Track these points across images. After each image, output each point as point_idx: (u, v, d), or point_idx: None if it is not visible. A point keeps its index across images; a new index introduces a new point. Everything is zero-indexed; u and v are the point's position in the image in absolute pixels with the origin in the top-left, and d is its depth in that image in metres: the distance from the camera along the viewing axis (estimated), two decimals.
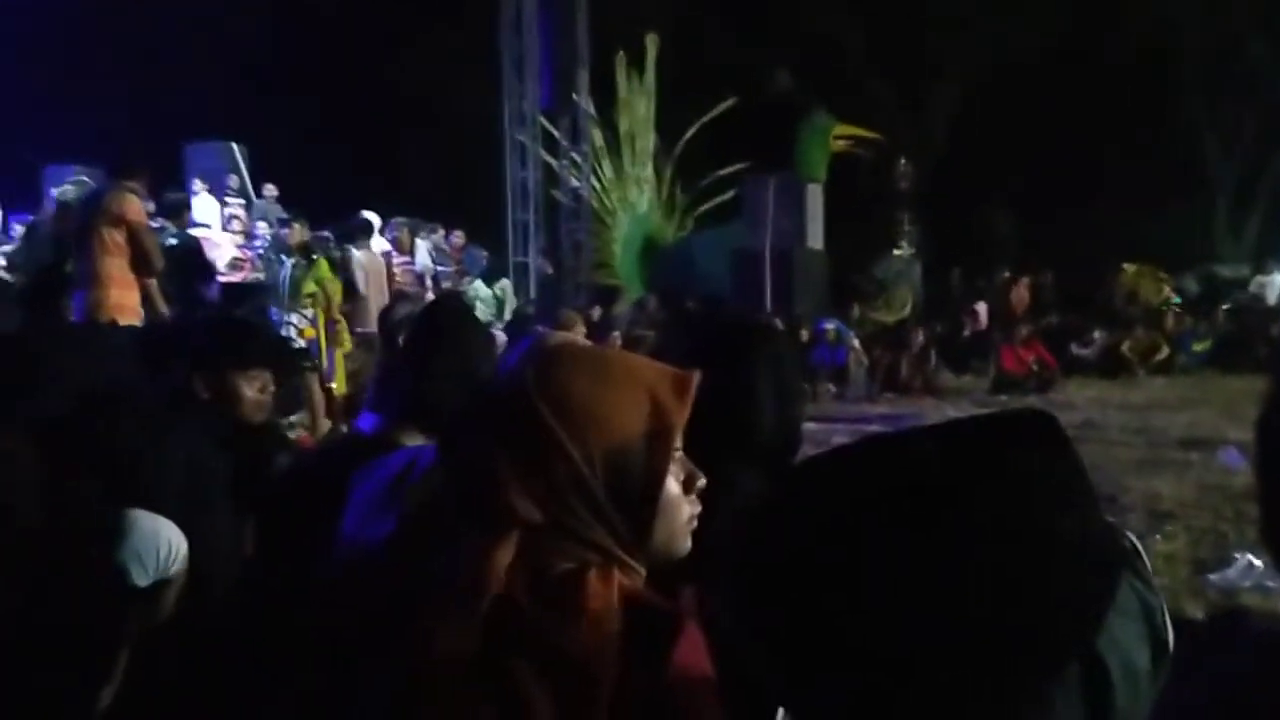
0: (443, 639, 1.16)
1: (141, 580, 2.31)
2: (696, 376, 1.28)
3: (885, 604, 0.71)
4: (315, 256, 9.74)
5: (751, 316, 9.33)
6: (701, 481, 1.29)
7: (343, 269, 10.07)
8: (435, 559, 1.27)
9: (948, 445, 0.76)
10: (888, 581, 0.72)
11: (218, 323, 3.86)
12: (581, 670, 1.13)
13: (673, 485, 1.26)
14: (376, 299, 10.00)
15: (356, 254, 10.32)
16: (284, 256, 9.87)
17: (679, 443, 1.26)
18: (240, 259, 12.22)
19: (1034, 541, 0.73)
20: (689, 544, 1.29)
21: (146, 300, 6.46)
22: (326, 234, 10.64)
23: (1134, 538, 0.80)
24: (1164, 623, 0.78)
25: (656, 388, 1.25)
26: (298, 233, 9.88)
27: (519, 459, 1.21)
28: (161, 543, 2.34)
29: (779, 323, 8.39)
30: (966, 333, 15.01)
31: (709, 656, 1.16)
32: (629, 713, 1.13)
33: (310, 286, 9.47)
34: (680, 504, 1.27)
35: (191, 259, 9.35)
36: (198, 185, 13.38)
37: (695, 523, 1.29)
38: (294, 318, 9.29)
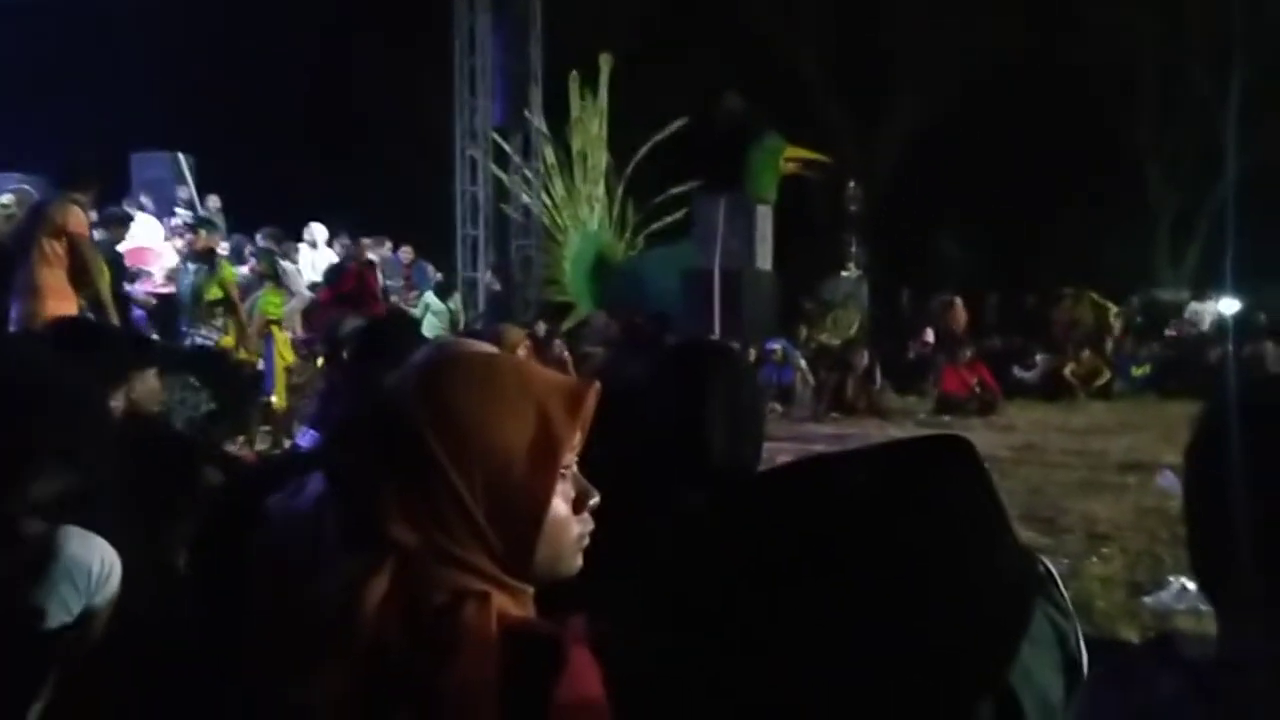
0: (314, 684, 1.10)
1: (73, 602, 2.24)
2: (593, 389, 1.22)
3: (796, 646, 0.70)
4: (219, 262, 9.60)
5: (708, 338, 9.33)
6: (594, 500, 1.23)
7: (275, 279, 10.00)
8: (308, 589, 1.19)
9: (866, 478, 0.76)
10: (800, 623, 0.70)
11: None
12: (459, 712, 1.07)
13: (559, 504, 1.20)
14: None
15: (289, 265, 10.26)
16: (188, 264, 9.68)
17: (569, 460, 1.20)
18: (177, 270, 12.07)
19: (946, 575, 0.72)
20: (578, 564, 1.24)
21: (98, 310, 6.38)
22: (266, 244, 10.55)
23: (1047, 562, 0.80)
24: (1078, 646, 0.77)
25: (547, 401, 1.19)
26: (202, 239, 9.69)
27: (397, 477, 1.15)
28: (95, 561, 2.28)
29: (734, 344, 8.41)
30: (911, 355, 15.15)
31: (601, 683, 1.10)
32: None
33: (214, 293, 9.29)
34: (568, 523, 1.21)
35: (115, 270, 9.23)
36: (144, 199, 13.20)
37: (585, 541, 1.23)
38: (202, 328, 9.10)
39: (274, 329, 9.72)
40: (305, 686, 1.11)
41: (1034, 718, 0.73)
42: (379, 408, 1.23)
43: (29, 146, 12.74)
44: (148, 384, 3.21)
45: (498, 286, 15.72)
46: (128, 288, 10.08)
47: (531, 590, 1.20)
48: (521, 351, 8.84)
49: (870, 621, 0.70)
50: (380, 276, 13.19)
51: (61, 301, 6.16)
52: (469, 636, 1.10)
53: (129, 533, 2.44)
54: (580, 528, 1.23)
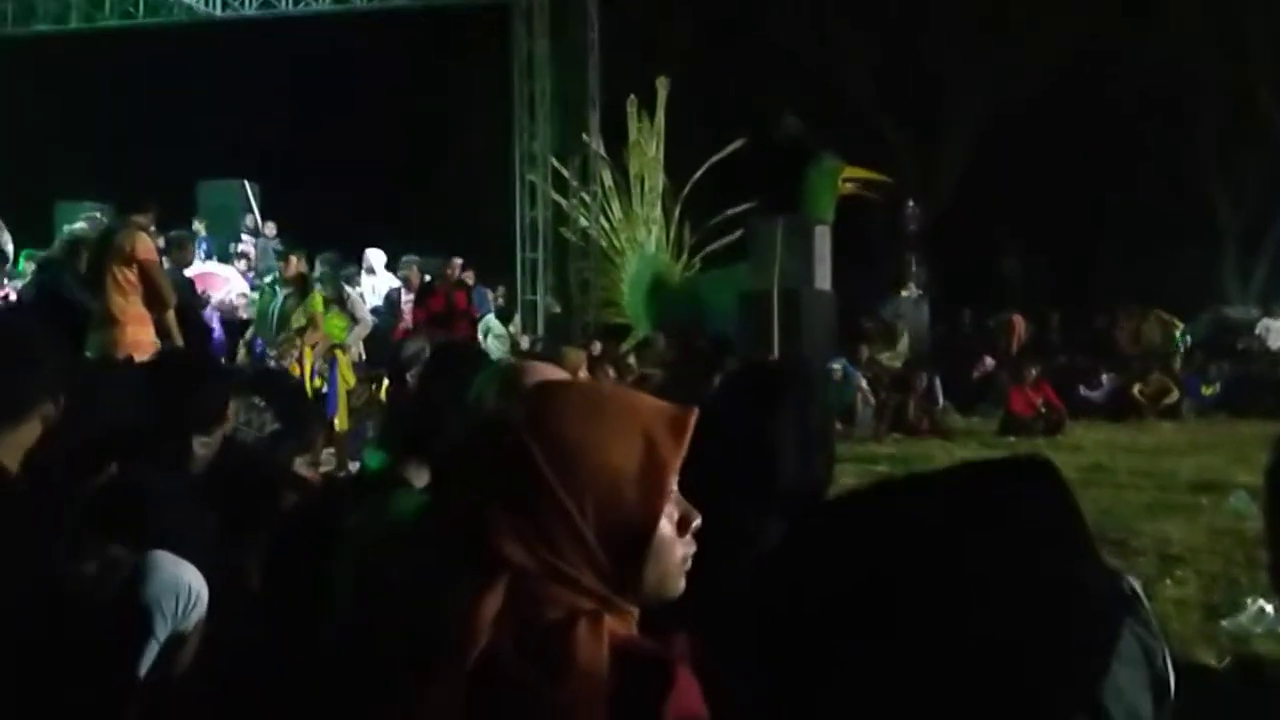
0: (428, 701, 1.13)
1: (160, 629, 2.28)
2: (694, 414, 1.24)
3: (891, 663, 0.70)
4: (311, 289, 9.72)
5: (776, 358, 9.24)
6: (697, 522, 1.26)
7: (340, 303, 10.12)
8: (420, 610, 1.23)
9: (949, 497, 0.76)
10: (895, 641, 0.71)
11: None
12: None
13: (666, 526, 1.22)
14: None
15: (353, 290, 10.39)
16: (278, 289, 9.83)
17: (674, 483, 1.23)
18: (246, 294, 12.26)
19: (1036, 593, 0.72)
20: (682, 585, 1.25)
21: (163, 334, 6.51)
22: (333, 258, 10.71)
23: (1134, 581, 0.79)
24: (1165, 665, 0.77)
25: (652, 426, 1.22)
26: (293, 265, 9.83)
27: (509, 500, 1.18)
28: (182, 588, 2.31)
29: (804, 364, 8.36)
30: (975, 374, 14.98)
31: (703, 705, 1.11)
32: None
33: (300, 320, 9.42)
34: (674, 545, 1.23)
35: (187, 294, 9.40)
36: (197, 225, 13.44)
37: (689, 563, 1.25)
38: (281, 353, 9.23)
39: (337, 352, 9.86)
40: (416, 700, 1.14)
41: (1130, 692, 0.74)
42: (487, 431, 1.26)
43: (101, 176, 13.07)
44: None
45: (556, 309, 15.79)
46: (206, 312, 10.27)
47: (636, 611, 1.23)
48: (582, 374, 8.88)
49: (961, 647, 0.70)
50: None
51: (140, 328, 6.31)
52: (581, 654, 1.12)
53: (210, 556, 2.48)
54: (684, 549, 1.25)
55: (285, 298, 9.55)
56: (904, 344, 15.98)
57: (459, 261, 12.70)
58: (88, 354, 6.27)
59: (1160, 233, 20.35)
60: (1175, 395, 14.47)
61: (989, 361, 14.99)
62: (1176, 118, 21.98)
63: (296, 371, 9.13)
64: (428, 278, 12.65)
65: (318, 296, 9.78)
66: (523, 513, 1.18)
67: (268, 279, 10.98)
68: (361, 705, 1.25)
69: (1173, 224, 20.90)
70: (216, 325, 10.57)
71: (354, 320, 10.33)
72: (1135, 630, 0.76)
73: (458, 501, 1.22)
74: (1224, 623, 4.49)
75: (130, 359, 5.82)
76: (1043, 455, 0.80)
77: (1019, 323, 16.20)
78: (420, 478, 2.42)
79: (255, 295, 11.50)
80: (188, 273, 10.44)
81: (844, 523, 0.78)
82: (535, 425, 1.21)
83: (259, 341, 9.54)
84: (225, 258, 13.50)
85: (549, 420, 1.22)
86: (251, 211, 14.72)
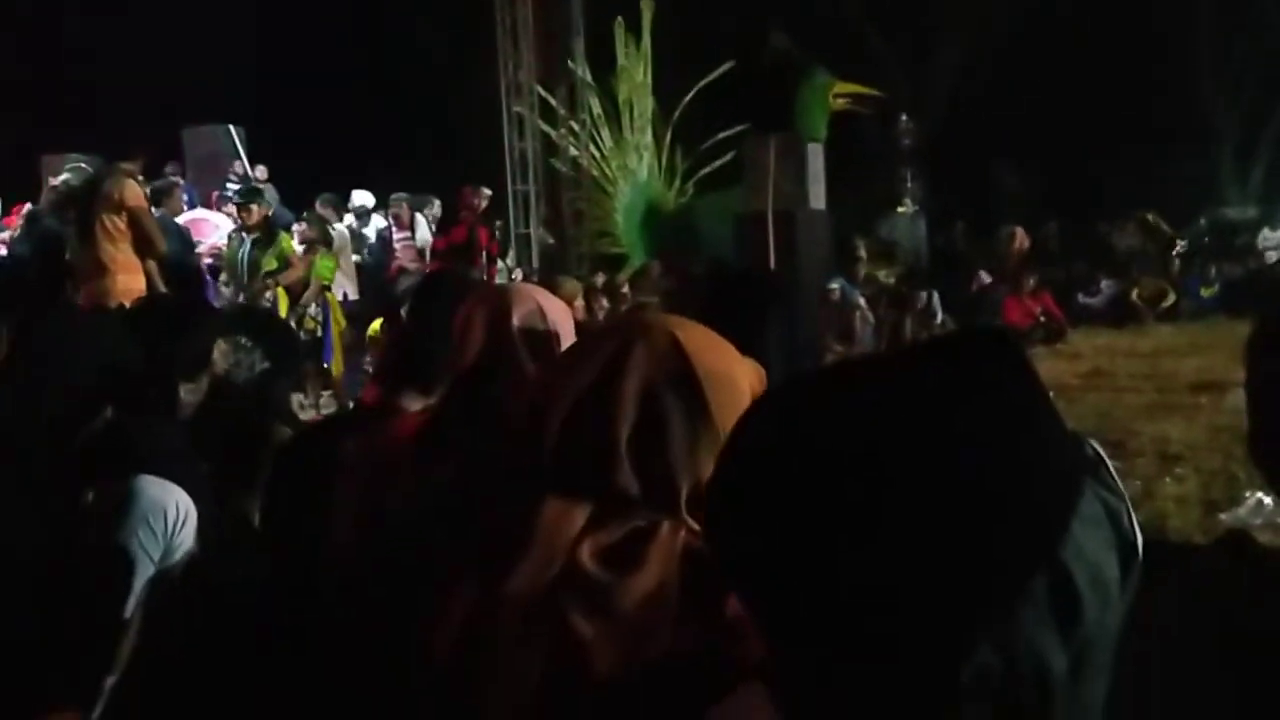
0: (510, 584, 1.19)
1: (152, 545, 2.32)
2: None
3: (869, 533, 0.71)
4: (277, 233, 9.65)
5: (762, 275, 9.26)
6: None
7: (327, 244, 10.08)
8: (505, 511, 1.29)
9: (905, 370, 0.76)
10: (869, 512, 0.71)
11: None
12: (636, 619, 1.15)
13: None
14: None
15: (340, 229, 10.35)
16: (244, 235, 9.72)
17: None
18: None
19: (997, 457, 0.72)
20: None
21: (150, 282, 6.48)
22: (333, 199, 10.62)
23: (1096, 445, 0.79)
24: (1131, 526, 0.77)
25: (753, 377, 1.31)
26: (255, 213, 9.70)
27: (662, 433, 1.23)
28: (169, 504, 2.35)
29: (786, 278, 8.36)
30: (974, 288, 14.94)
31: None
32: (684, 661, 1.15)
33: (271, 264, 9.37)
34: None
35: (180, 241, 9.35)
36: (169, 171, 13.31)
37: None
38: (256, 300, 9.19)
39: (328, 295, 9.84)
40: (498, 583, 1.20)
41: (1088, 592, 0.73)
42: (641, 352, 1.28)
43: (84, 126, 12.94)
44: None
45: (550, 240, 15.71)
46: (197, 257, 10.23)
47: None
48: (578, 304, 8.87)
49: (923, 514, 0.70)
50: (430, 236, 13.27)
51: (131, 275, 6.29)
52: (655, 555, 1.18)
53: (204, 488, 2.50)
54: None
55: (252, 243, 9.46)
56: (911, 260, 15.94)
57: (488, 192, 12.44)
58: (79, 302, 6.25)
59: (1156, 137, 20.17)
60: (1173, 298, 14.46)
61: (984, 276, 14.95)
62: (1168, 17, 21.67)
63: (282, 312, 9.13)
64: (418, 215, 12.58)
65: (286, 238, 9.72)
66: (672, 453, 1.23)
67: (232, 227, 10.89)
68: (406, 620, 1.29)
69: (1168, 129, 20.71)
70: (208, 274, 10.53)
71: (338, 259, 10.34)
72: (1098, 492, 0.76)
73: (595, 430, 1.25)
74: (1223, 516, 4.53)
75: (121, 306, 5.80)
76: (997, 325, 0.80)
77: (1020, 234, 16.13)
78: (412, 403, 2.42)
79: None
80: (180, 219, 10.40)
81: (804, 402, 0.78)
82: (694, 356, 1.26)
83: (233, 290, 9.51)
84: (211, 204, 13.41)
85: (701, 350, 1.27)
86: (239, 157, 14.59)
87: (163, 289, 6.48)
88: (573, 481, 1.24)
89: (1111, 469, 0.78)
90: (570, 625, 1.16)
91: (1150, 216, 16.39)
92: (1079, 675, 0.73)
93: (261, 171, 14.27)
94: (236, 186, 13.51)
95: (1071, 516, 0.73)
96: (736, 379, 1.27)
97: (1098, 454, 0.78)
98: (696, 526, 1.24)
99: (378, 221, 13.47)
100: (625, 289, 13.13)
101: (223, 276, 9.78)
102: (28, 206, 10.80)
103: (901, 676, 0.71)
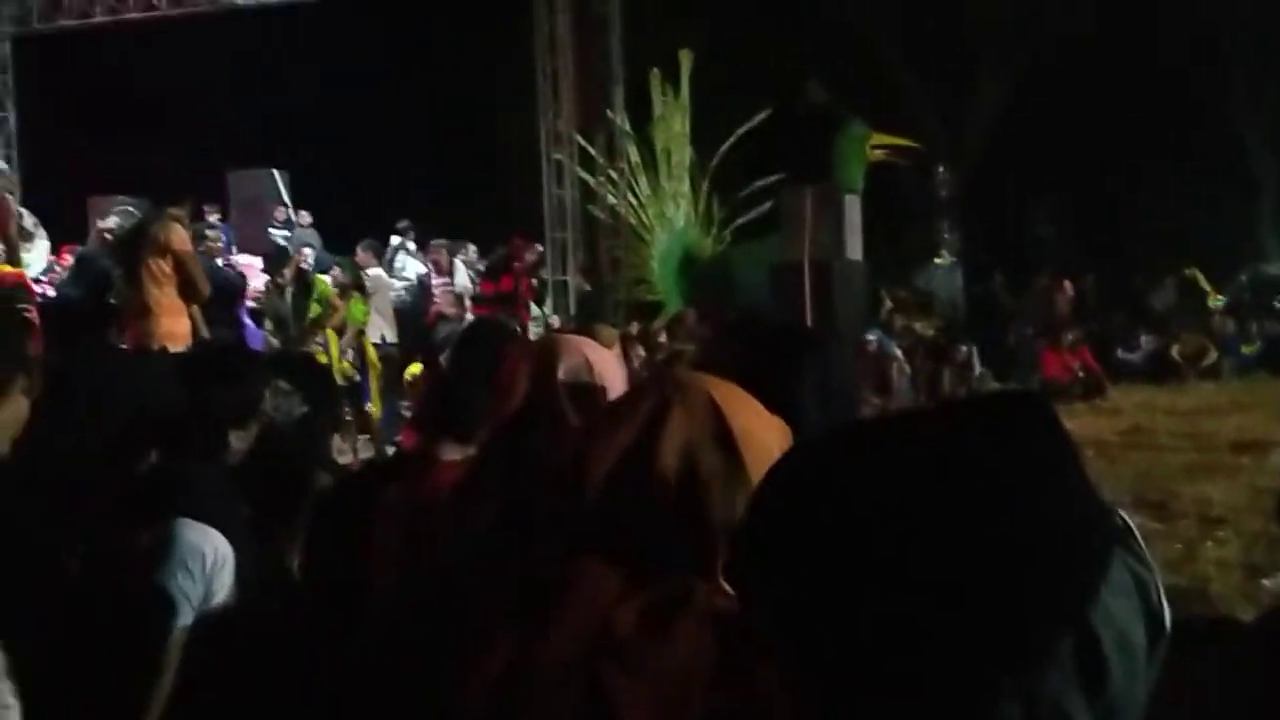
0: (547, 643, 1.20)
1: (190, 588, 2.34)
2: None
3: (896, 581, 0.71)
4: (311, 279, 9.84)
5: (798, 325, 9.28)
6: None
7: (360, 289, 10.24)
8: (543, 565, 1.30)
9: (940, 429, 0.77)
10: (897, 561, 0.72)
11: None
12: (670, 684, 1.16)
13: None
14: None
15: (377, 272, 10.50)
16: (286, 290, 9.96)
17: None
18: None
19: (1028, 518, 0.73)
20: None
21: (194, 327, 6.57)
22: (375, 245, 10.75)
23: (1125, 516, 0.79)
24: (1159, 599, 0.77)
25: (781, 435, 1.32)
26: (292, 264, 9.97)
27: (701, 483, 1.25)
28: (208, 548, 2.38)
29: (828, 331, 8.35)
30: (1012, 340, 14.87)
31: None
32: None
33: (315, 309, 9.55)
34: None
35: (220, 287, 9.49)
36: (211, 217, 13.53)
37: None
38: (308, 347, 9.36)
39: (363, 339, 9.98)
40: (534, 645, 1.21)
41: (1116, 657, 0.73)
42: (687, 406, 1.31)
43: (133, 169, 13.17)
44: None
45: (586, 287, 15.79)
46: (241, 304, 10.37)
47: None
48: (615, 350, 8.89)
49: (952, 572, 0.71)
50: (469, 282, 13.40)
51: (174, 319, 6.37)
52: (690, 620, 1.19)
53: (244, 532, 2.52)
54: None
55: (292, 296, 9.70)
56: (948, 312, 15.89)
57: (540, 249, 12.76)
58: (123, 345, 6.34)
59: (1195, 191, 20.04)
60: (1214, 355, 14.30)
61: (1023, 328, 14.87)
62: (1205, 66, 21.59)
63: (324, 360, 9.23)
64: (456, 260, 12.67)
65: (323, 282, 9.89)
66: (711, 502, 1.24)
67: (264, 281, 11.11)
68: (474, 645, 1.30)
69: (1208, 182, 20.59)
70: (247, 318, 10.68)
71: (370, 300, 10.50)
72: (1127, 561, 0.76)
73: (637, 482, 1.26)
74: (1265, 582, 4.46)
75: (164, 349, 5.88)
76: (1032, 386, 0.83)
77: (1064, 286, 16.04)
78: (450, 453, 2.44)
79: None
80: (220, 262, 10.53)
81: (836, 452, 0.80)
82: (731, 416, 1.29)
83: (283, 341, 9.68)
84: (252, 248, 13.58)
85: (736, 411, 1.30)
86: (282, 200, 14.80)
87: (205, 332, 6.57)
88: (613, 538, 1.25)
89: (1139, 540, 0.78)
90: (604, 687, 1.17)
91: (1190, 272, 16.27)
92: None
93: (305, 217, 14.47)
94: (282, 231, 13.70)
95: (1100, 579, 0.73)
96: (769, 440, 1.29)
97: (1126, 524, 0.79)
98: (730, 589, 1.25)
99: (416, 266, 13.60)
100: (662, 337, 13.16)
101: (267, 325, 9.93)
102: (77, 249, 10.98)
103: None
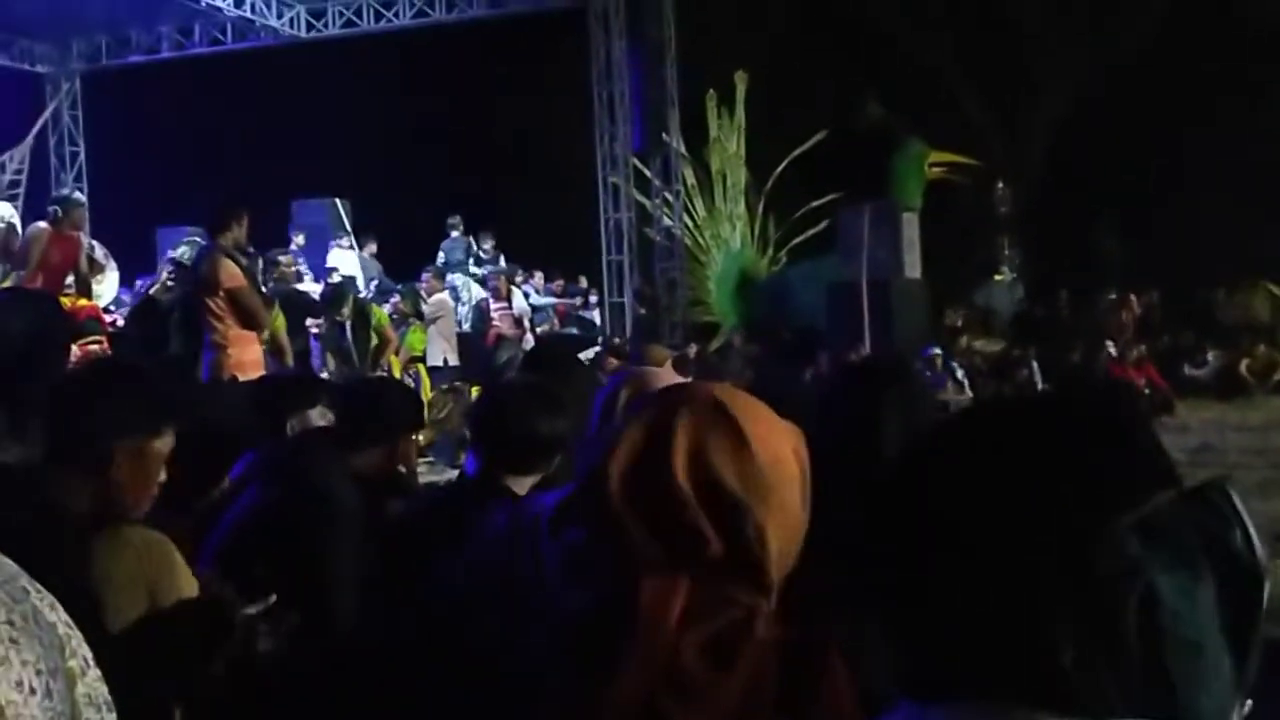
0: (614, 687, 1.20)
1: None
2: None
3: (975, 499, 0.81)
4: (368, 309, 9.98)
5: (883, 356, 9.27)
6: None
7: (419, 316, 10.37)
8: (603, 594, 1.30)
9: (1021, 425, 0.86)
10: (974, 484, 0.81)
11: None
12: (735, 713, 1.17)
13: None
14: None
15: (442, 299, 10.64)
16: (345, 325, 10.08)
17: None
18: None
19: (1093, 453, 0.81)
20: None
21: (277, 353, 6.72)
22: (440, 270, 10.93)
23: (1227, 485, 0.80)
24: (1250, 550, 0.78)
25: (796, 441, 1.32)
26: (346, 312, 10.08)
27: (718, 481, 1.24)
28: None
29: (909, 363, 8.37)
30: (1076, 357, 14.65)
31: (852, 690, 1.21)
32: None
33: (372, 340, 9.70)
34: None
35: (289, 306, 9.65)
36: (296, 241, 13.76)
37: None
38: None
39: (419, 366, 10.13)
40: (601, 687, 1.21)
41: (1119, 590, 0.76)
42: (697, 415, 1.31)
43: (200, 200, 13.43)
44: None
45: (641, 310, 15.76)
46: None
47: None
48: (667, 368, 8.91)
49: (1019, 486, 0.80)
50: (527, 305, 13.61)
51: (242, 349, 6.51)
52: (753, 651, 1.20)
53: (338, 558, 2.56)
54: None
55: (352, 330, 9.83)
56: (999, 329, 15.72)
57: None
58: (201, 377, 6.48)
59: (1261, 204, 19.66)
60: None
61: (1089, 346, 14.65)
62: (1273, 76, 21.20)
63: None
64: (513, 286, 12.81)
65: (379, 313, 10.02)
66: (725, 499, 1.24)
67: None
68: (548, 685, 1.31)
69: (1272, 191, 20.18)
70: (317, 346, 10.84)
71: (431, 325, 10.64)
72: (1192, 513, 0.78)
73: (654, 486, 1.26)
74: None
75: (234, 379, 6.00)
76: (1122, 380, 0.88)
77: (1131, 302, 15.81)
78: (516, 481, 2.47)
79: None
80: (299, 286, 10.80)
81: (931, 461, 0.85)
82: (741, 416, 1.28)
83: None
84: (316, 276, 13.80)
85: (745, 413, 1.29)
86: (344, 229, 15.03)
87: (287, 358, 6.72)
88: (652, 549, 1.24)
89: (1231, 499, 0.80)
90: None
91: (1263, 284, 15.96)
92: (1114, 664, 0.76)
93: (369, 245, 14.72)
94: (348, 254, 13.92)
95: (1103, 532, 0.77)
96: (778, 441, 1.29)
97: (1223, 490, 0.81)
98: (775, 601, 1.25)
99: (478, 292, 13.79)
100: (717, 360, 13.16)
101: (330, 361, 10.04)
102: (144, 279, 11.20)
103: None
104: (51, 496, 2.11)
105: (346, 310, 9.98)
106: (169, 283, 8.65)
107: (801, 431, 1.34)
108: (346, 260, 14.03)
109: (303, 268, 12.39)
